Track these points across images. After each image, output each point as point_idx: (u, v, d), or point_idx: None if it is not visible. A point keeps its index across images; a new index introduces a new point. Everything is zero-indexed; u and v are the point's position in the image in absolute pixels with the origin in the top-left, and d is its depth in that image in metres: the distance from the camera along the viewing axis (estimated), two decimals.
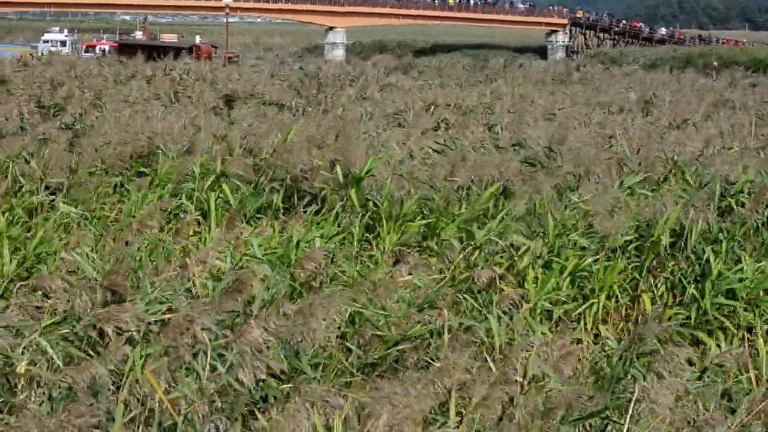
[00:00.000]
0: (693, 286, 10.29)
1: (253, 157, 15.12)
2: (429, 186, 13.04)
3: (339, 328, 7.76)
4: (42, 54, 47.71)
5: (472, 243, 10.76)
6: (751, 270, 10.36)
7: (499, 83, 37.08)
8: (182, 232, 11.11)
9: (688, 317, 9.96)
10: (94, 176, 14.03)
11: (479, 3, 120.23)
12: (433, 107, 25.86)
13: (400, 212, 11.73)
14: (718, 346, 9.42)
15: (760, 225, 11.77)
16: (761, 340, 9.18)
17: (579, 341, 9.14)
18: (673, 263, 10.78)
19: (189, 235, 11.54)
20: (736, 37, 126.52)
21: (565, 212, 11.57)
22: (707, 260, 10.43)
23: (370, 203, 12.41)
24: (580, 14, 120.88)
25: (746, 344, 9.28)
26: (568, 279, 10.17)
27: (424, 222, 11.66)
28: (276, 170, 14.13)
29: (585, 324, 9.77)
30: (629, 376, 7.51)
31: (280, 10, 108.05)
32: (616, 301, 10.31)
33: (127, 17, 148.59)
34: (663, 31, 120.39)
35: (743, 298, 10.13)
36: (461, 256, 10.58)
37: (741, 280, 10.25)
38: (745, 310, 10.07)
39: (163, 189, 13.59)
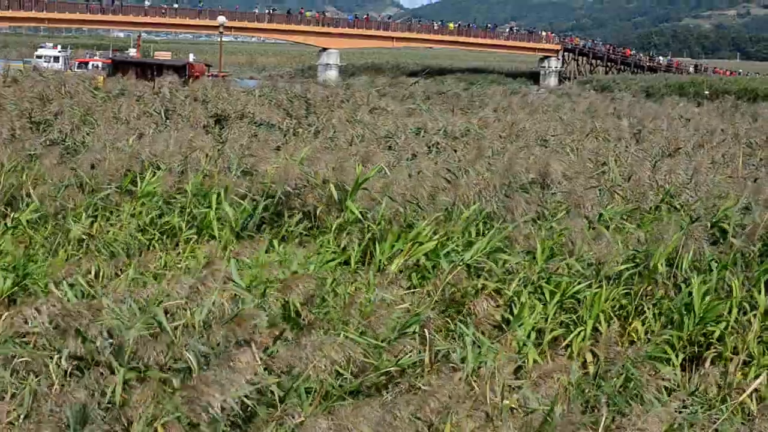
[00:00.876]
0: (677, 312, 10.26)
1: (249, 176, 15.10)
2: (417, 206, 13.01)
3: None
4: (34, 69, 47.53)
5: (460, 263, 10.72)
6: (736, 299, 10.31)
7: (490, 109, 37.06)
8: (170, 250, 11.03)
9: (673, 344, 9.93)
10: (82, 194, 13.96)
11: (476, 27, 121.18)
12: (423, 132, 25.84)
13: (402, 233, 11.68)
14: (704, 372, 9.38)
15: (751, 255, 11.75)
16: (734, 367, 9.14)
17: (566, 367, 9.07)
18: (662, 291, 10.75)
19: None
20: (728, 67, 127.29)
21: (554, 238, 11.58)
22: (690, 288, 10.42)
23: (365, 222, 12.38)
24: (576, 41, 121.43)
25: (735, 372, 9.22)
26: (558, 305, 10.13)
27: (433, 243, 11.55)
28: (270, 188, 14.11)
29: (572, 350, 9.70)
30: (608, 402, 7.51)
31: (275, 31, 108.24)
32: (609, 326, 10.27)
33: (121, 34, 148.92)
34: (661, 60, 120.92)
35: (725, 326, 10.08)
36: (449, 277, 10.54)
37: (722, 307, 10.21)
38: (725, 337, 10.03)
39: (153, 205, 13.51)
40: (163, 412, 6.40)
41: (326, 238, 12.16)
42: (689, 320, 10.03)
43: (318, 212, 13.20)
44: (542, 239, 11.38)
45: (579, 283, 10.47)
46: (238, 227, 13.09)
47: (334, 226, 12.36)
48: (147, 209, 13.33)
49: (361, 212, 12.66)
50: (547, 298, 10.22)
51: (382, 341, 8.23)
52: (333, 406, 7.30)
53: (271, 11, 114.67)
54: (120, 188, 14.23)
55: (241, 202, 13.54)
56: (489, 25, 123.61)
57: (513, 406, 7.41)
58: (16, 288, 9.73)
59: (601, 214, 13.64)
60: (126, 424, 6.45)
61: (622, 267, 11.00)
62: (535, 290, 10.42)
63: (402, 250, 11.34)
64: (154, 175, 14.55)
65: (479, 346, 8.56)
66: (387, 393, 7.43)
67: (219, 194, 13.64)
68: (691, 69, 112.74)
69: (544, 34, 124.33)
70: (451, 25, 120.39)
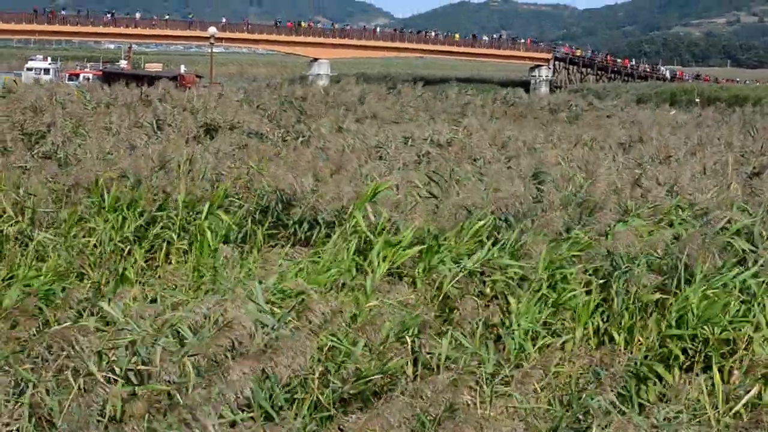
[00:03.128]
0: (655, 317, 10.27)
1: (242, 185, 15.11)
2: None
3: (319, 360, 7.73)
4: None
5: (461, 270, 10.74)
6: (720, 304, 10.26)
7: (478, 118, 37.11)
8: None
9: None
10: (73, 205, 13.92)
11: (480, 38, 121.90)
12: (410, 140, 25.86)
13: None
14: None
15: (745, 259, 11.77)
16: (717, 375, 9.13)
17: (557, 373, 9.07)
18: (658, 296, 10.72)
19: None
20: (719, 75, 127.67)
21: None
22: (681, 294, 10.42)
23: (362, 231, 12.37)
24: (578, 52, 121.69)
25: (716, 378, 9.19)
26: (552, 309, 10.15)
27: (417, 249, 11.54)
28: (264, 199, 14.14)
29: (565, 355, 9.67)
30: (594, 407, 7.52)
31: (265, 41, 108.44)
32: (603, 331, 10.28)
33: (112, 46, 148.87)
34: (663, 69, 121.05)
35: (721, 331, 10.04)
36: (450, 284, 10.56)
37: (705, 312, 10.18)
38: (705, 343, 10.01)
39: (141, 217, 13.46)
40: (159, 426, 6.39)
41: (324, 249, 12.11)
42: (686, 325, 10.01)
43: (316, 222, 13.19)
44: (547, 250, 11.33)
45: (574, 289, 10.47)
46: (232, 238, 13.07)
47: (336, 236, 12.32)
48: (129, 222, 13.27)
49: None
50: (545, 301, 10.24)
51: (373, 348, 8.21)
52: (325, 416, 7.29)
53: (277, 23, 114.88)
54: (100, 200, 14.15)
55: (221, 218, 13.46)
56: (494, 36, 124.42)
57: (502, 411, 7.40)
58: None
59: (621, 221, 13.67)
60: None
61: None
62: (532, 295, 10.41)
63: (386, 256, 11.32)
64: (139, 186, 14.57)
65: (473, 353, 8.56)
66: (377, 401, 7.40)
67: (211, 205, 13.62)
68: (686, 77, 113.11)
69: (522, 41, 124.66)
70: (457, 36, 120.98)
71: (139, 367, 7.02)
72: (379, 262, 11.06)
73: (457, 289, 10.68)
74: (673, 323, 10.06)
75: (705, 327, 9.89)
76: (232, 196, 14.65)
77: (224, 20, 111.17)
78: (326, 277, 10.45)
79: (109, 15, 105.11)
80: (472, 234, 12.25)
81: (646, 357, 9.61)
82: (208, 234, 12.69)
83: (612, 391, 7.71)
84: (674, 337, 9.92)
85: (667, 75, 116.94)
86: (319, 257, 11.36)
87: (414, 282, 10.96)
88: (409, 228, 11.92)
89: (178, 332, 7.46)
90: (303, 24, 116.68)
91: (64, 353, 7.00)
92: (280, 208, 13.78)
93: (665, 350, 9.82)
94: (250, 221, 13.56)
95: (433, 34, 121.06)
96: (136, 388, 6.86)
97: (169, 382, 6.85)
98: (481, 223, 12.51)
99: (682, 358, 9.64)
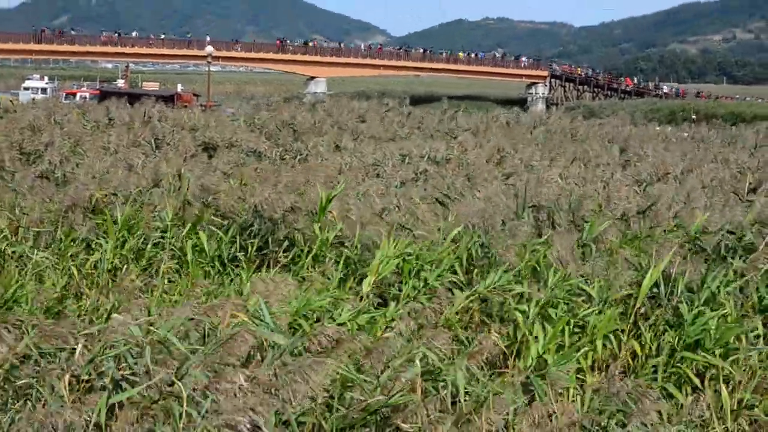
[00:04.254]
0: (668, 335, 10.22)
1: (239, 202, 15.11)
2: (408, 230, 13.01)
3: (327, 391, 7.69)
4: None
5: (473, 294, 10.71)
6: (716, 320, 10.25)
7: (475, 135, 37.19)
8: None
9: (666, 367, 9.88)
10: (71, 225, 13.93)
11: (483, 56, 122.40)
12: (408, 158, 25.93)
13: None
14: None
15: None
16: (725, 392, 9.10)
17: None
18: (657, 313, 10.70)
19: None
20: (716, 92, 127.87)
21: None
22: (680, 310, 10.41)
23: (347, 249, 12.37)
24: (579, 71, 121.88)
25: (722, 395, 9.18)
26: (567, 329, 10.06)
27: (397, 261, 11.50)
28: (251, 217, 14.13)
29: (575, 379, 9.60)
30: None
31: (262, 60, 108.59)
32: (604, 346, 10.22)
33: (109, 65, 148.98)
34: (665, 88, 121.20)
35: (713, 348, 10.02)
36: (460, 305, 10.53)
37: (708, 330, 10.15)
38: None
39: (137, 236, 13.47)
40: None
41: (321, 270, 12.09)
42: (679, 342, 10.01)
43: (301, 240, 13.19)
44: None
45: (584, 309, 10.44)
46: (225, 257, 13.09)
47: (330, 258, 12.32)
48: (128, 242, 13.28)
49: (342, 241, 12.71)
50: (552, 324, 10.16)
51: (376, 375, 8.13)
52: None
53: (282, 41, 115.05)
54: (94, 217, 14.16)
55: (202, 241, 13.44)
56: (497, 54, 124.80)
57: None
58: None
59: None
60: None
61: (628, 292, 10.94)
62: (542, 318, 10.34)
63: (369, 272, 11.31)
64: (135, 205, 14.59)
65: (479, 381, 8.46)
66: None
67: (198, 224, 13.65)
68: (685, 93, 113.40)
69: (524, 59, 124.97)
70: (461, 54, 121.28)
71: (125, 374, 7.04)
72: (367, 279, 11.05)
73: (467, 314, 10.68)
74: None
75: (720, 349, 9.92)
76: (222, 216, 14.63)
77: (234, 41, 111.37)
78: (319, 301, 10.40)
79: (116, 34, 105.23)
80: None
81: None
82: (189, 255, 12.71)
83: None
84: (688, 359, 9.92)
85: (666, 91, 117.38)
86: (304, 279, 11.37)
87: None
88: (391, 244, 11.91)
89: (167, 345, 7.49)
90: (309, 44, 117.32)
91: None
92: (264, 230, 13.77)
93: (677, 369, 9.81)
94: (239, 239, 13.56)
95: (447, 53, 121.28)
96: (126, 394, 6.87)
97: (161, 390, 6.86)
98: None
99: (696, 381, 9.63)
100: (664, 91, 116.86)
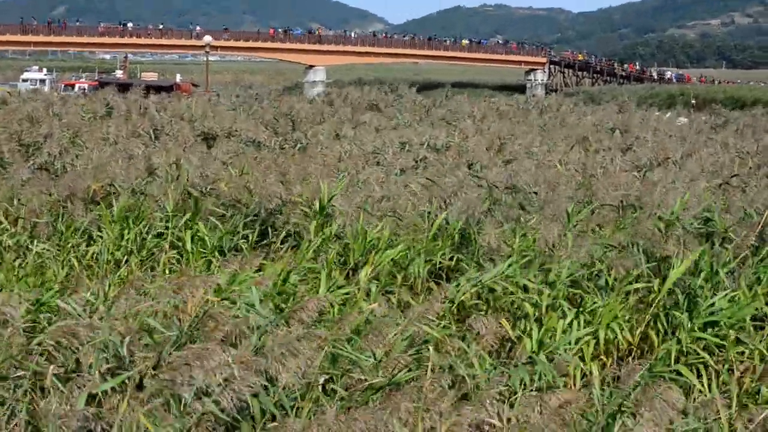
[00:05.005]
0: (678, 319, 10.19)
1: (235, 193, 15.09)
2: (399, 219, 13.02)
3: (327, 371, 7.71)
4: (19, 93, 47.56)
5: (477, 283, 10.69)
6: (726, 300, 10.24)
7: (474, 122, 37.16)
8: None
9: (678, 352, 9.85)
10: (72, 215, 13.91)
11: (485, 43, 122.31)
12: (407, 145, 25.91)
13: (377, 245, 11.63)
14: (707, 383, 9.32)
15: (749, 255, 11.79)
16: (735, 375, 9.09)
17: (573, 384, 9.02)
18: (662, 298, 10.66)
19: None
20: (717, 76, 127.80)
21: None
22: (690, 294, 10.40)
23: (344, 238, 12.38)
24: (580, 57, 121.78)
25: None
26: (581, 318, 10.04)
27: (395, 252, 11.52)
28: (253, 207, 14.12)
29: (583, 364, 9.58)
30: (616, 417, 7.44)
31: (261, 49, 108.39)
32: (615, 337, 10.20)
33: (107, 56, 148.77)
34: (669, 74, 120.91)
35: (725, 330, 10.00)
36: (463, 296, 10.52)
37: (719, 311, 10.13)
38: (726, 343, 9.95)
39: (139, 227, 13.46)
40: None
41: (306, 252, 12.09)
42: (685, 325, 9.99)
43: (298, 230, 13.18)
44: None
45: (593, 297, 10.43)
46: (226, 247, 13.08)
47: (312, 245, 12.30)
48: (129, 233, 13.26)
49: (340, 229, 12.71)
50: (566, 311, 10.14)
51: (378, 358, 8.15)
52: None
53: (276, 30, 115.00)
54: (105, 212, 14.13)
55: (203, 231, 13.43)
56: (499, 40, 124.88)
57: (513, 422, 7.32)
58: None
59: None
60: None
61: (639, 285, 10.90)
62: (552, 307, 10.32)
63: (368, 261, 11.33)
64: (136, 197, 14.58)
65: (484, 366, 8.47)
66: (380, 407, 7.36)
67: (198, 214, 13.62)
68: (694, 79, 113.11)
69: (492, 42, 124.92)
70: (464, 41, 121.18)
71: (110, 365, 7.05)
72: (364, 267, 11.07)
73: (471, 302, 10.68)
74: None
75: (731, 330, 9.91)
76: (222, 206, 14.62)
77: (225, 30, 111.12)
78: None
79: (119, 24, 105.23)
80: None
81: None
82: (189, 245, 12.72)
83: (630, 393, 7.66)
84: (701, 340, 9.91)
85: (670, 75, 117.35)
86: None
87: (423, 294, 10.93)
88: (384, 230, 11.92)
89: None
90: (316, 32, 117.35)
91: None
92: (265, 220, 13.77)
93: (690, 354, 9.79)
94: (242, 228, 13.56)
95: (451, 40, 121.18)
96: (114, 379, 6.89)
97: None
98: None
99: (711, 360, 9.62)
100: (667, 76, 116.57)
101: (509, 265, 10.95)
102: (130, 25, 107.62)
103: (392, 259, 11.59)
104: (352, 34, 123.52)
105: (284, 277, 10.02)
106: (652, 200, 15.59)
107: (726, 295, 10.30)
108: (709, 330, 10.01)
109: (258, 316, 8.07)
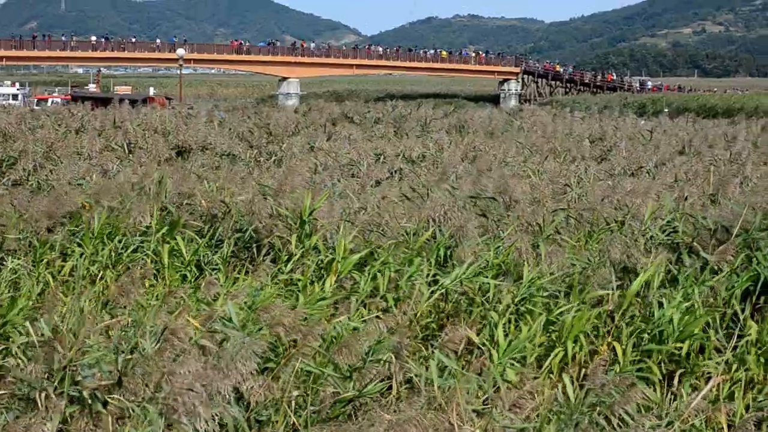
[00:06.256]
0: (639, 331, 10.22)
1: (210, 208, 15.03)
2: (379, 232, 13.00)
3: (299, 387, 7.72)
4: None
5: (440, 288, 10.69)
6: (679, 313, 10.26)
7: (449, 133, 37.24)
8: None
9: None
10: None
11: (467, 54, 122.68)
12: (382, 157, 25.94)
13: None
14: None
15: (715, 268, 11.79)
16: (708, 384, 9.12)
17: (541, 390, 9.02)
18: (630, 309, 10.68)
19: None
20: (689, 85, 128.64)
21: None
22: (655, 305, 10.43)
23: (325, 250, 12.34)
24: (557, 68, 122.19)
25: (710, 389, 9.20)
26: (537, 328, 10.03)
27: (358, 256, 11.50)
28: (232, 221, 14.07)
29: (550, 372, 9.62)
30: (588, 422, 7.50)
31: (234, 61, 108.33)
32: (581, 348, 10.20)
33: (80, 70, 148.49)
34: (650, 84, 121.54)
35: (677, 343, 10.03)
36: (428, 302, 10.52)
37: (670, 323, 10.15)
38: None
39: (114, 242, 13.39)
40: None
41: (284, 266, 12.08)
42: (665, 337, 10.00)
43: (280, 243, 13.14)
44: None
45: (558, 306, 10.42)
46: (204, 261, 13.04)
47: (297, 255, 12.29)
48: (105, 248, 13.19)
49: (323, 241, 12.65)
50: (529, 320, 10.15)
51: (349, 370, 8.17)
52: None
53: (272, 42, 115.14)
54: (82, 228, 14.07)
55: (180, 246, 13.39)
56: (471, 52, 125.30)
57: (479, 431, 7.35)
58: None
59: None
60: None
61: (602, 292, 10.91)
62: (515, 313, 10.35)
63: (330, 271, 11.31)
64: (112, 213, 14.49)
65: (452, 374, 8.48)
66: (352, 423, 7.36)
67: (175, 228, 13.57)
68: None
69: (473, 54, 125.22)
70: (444, 53, 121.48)
71: (102, 382, 7.01)
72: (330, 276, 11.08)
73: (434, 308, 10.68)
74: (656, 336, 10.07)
75: (684, 342, 9.93)
76: (200, 219, 14.57)
77: (184, 39, 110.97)
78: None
79: (103, 39, 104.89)
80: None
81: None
82: (165, 259, 12.67)
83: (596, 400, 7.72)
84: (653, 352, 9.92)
85: (650, 85, 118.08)
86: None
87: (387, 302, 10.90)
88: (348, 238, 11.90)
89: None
90: (305, 44, 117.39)
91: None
92: (242, 234, 13.73)
93: (644, 365, 9.80)
94: (228, 244, 13.52)
95: (431, 51, 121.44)
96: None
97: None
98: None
99: (658, 374, 9.63)
100: (649, 86, 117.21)
101: (467, 269, 10.97)
102: (93, 38, 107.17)
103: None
104: (327, 45, 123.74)
105: (261, 290, 10.00)
106: (624, 210, 15.63)
107: (679, 307, 10.31)
108: (664, 342, 10.03)
109: (233, 330, 8.05)
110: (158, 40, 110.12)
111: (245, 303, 9.34)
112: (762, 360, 9.89)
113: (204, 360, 7.08)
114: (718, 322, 10.49)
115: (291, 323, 8.25)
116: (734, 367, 9.70)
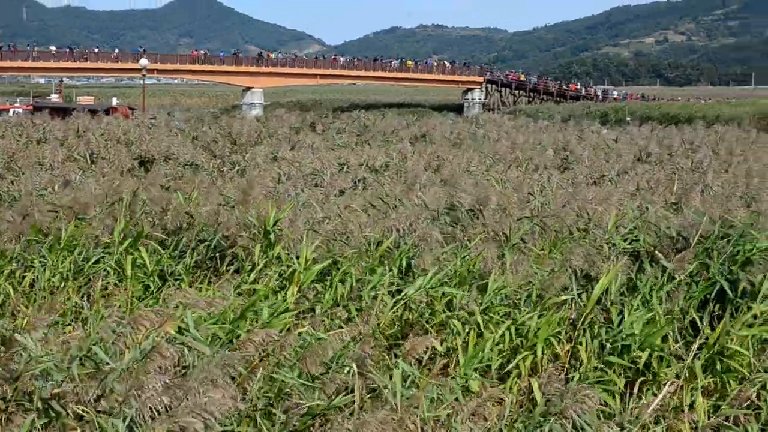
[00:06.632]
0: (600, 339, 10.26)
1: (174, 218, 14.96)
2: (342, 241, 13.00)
3: (266, 394, 7.70)
4: None
5: (404, 298, 10.69)
6: (639, 321, 10.31)
7: (413, 143, 37.28)
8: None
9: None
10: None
11: (432, 64, 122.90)
12: (346, 166, 25.94)
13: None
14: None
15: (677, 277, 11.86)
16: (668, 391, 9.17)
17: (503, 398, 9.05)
18: (591, 316, 10.72)
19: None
20: (652, 94, 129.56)
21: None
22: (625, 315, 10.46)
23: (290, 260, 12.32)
24: (522, 77, 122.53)
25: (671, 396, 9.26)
26: (501, 336, 10.04)
27: (320, 267, 11.48)
28: (196, 231, 14.02)
29: (512, 381, 9.64)
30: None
31: (198, 71, 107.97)
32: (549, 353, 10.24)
33: (42, 80, 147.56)
34: (615, 93, 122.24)
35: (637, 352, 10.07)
36: (391, 310, 10.53)
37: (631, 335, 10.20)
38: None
39: (75, 254, 13.31)
40: None
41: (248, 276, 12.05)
42: (626, 345, 10.04)
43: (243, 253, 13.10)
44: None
45: (520, 313, 10.45)
46: (167, 272, 12.98)
47: (260, 265, 12.27)
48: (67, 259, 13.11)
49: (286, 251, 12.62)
50: (492, 328, 10.16)
51: (314, 379, 8.16)
52: None
53: (237, 52, 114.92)
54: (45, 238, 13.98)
55: (157, 248, 13.34)
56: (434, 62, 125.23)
57: None
58: None
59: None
60: None
61: (564, 297, 10.93)
62: (479, 322, 10.35)
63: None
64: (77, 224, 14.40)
65: (415, 383, 8.49)
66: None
67: (138, 239, 13.50)
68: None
69: (435, 64, 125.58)
70: (410, 62, 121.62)
71: (55, 390, 6.96)
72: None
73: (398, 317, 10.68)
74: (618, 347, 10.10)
75: (645, 351, 9.97)
76: (163, 230, 14.51)
77: (142, 48, 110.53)
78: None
79: (67, 49, 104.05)
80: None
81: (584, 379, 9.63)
82: (128, 270, 12.60)
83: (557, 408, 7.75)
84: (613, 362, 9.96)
85: (616, 95, 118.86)
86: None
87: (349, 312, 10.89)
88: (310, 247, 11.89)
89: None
90: (271, 54, 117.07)
91: None
92: (206, 244, 13.69)
93: (604, 373, 9.83)
94: (190, 254, 13.47)
95: (396, 61, 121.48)
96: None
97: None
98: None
99: (620, 383, 9.67)
100: (615, 95, 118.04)
101: (431, 279, 10.97)
102: (52, 48, 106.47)
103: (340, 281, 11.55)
104: (294, 55, 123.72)
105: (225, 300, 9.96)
106: (587, 219, 15.70)
107: (640, 317, 10.36)
108: (626, 351, 10.07)
109: (196, 342, 8.02)
110: (116, 50, 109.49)
111: (209, 314, 9.31)
112: (721, 367, 9.96)
113: (173, 372, 7.05)
114: (676, 330, 10.56)
115: (261, 340, 8.23)
116: (695, 374, 9.76)
